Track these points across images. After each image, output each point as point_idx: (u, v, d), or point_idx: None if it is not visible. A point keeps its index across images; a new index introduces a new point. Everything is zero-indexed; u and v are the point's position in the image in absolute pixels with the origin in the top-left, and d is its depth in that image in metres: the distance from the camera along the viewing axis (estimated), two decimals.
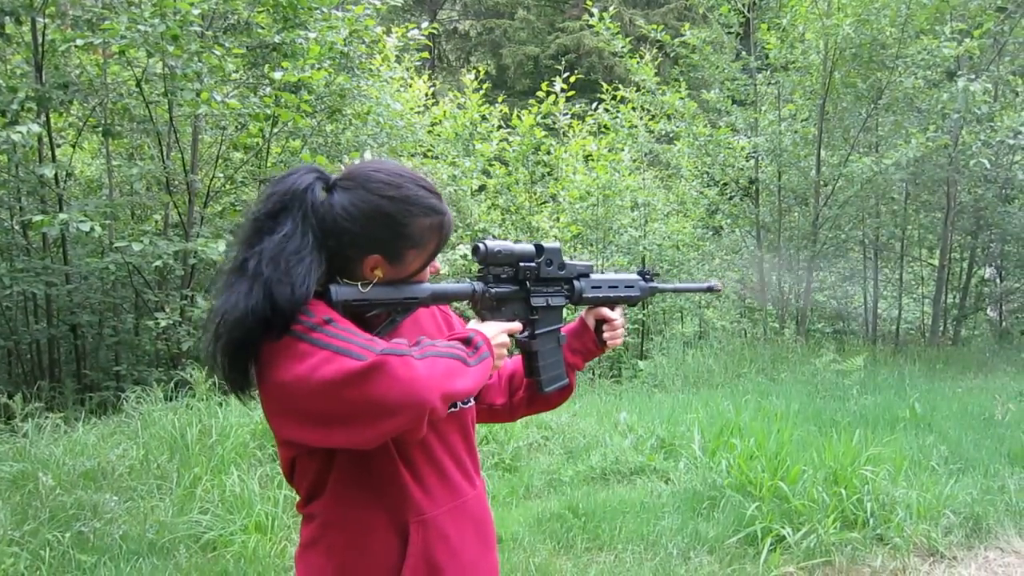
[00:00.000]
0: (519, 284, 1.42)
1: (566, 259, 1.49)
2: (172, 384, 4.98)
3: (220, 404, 4.39)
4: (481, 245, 1.35)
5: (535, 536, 3.51)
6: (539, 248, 1.44)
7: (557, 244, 1.48)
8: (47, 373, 6.33)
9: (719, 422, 4.88)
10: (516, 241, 1.45)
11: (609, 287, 1.58)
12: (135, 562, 3.02)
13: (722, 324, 10.30)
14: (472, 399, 1.41)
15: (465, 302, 1.39)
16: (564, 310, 1.53)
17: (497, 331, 1.33)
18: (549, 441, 4.88)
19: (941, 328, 10.48)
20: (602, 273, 1.59)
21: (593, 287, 1.54)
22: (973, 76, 8.13)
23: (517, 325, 1.40)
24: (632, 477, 4.38)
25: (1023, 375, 7.99)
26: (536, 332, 1.45)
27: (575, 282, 1.52)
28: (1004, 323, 11.89)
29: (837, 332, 10.56)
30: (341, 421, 1.09)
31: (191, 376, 4.70)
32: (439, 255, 1.34)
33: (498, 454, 4.55)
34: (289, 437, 1.18)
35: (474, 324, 1.36)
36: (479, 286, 1.37)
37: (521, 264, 1.41)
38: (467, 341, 1.24)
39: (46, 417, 4.29)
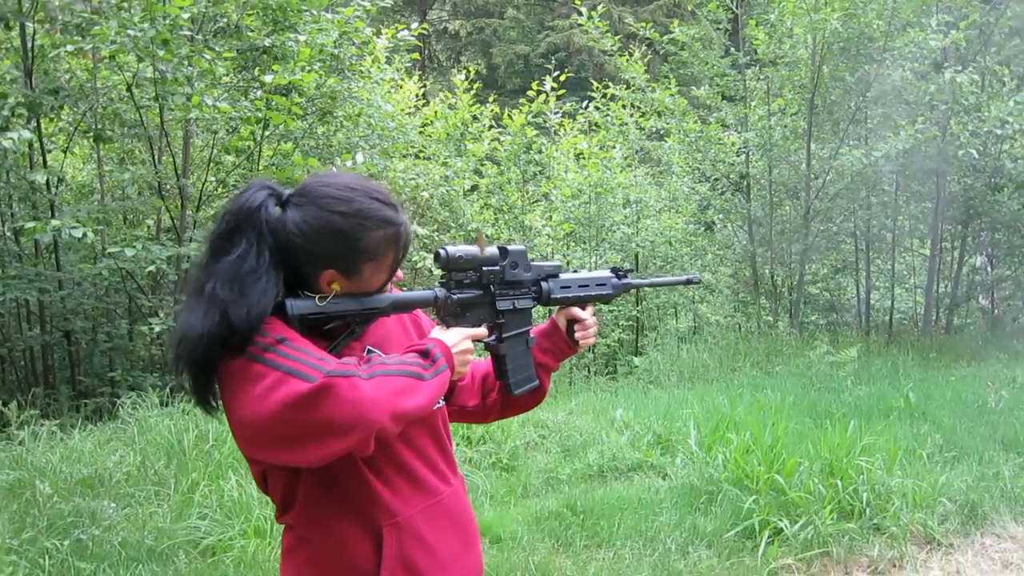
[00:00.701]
0: (483, 288, 1.41)
1: (545, 261, 1.50)
2: (167, 390, 4.96)
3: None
4: (442, 251, 1.35)
5: (534, 535, 3.52)
6: (503, 251, 1.44)
7: (522, 246, 1.48)
8: (41, 380, 6.29)
9: (715, 417, 4.90)
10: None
11: (579, 286, 1.57)
12: (134, 569, 3.02)
13: (716, 319, 10.34)
14: (443, 401, 1.41)
15: (430, 308, 1.39)
16: (533, 312, 1.53)
17: (459, 338, 1.32)
18: (546, 440, 4.89)
19: (934, 317, 10.54)
20: (573, 273, 1.59)
21: (562, 287, 1.54)
22: (960, 68, 8.17)
23: (482, 331, 1.40)
24: (629, 474, 4.40)
25: (1015, 362, 8.05)
26: (503, 336, 1.45)
27: (543, 283, 1.51)
28: (996, 311, 11.96)
29: (830, 324, 10.60)
30: (291, 442, 1.10)
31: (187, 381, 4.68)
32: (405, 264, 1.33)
33: (495, 453, 4.56)
34: (251, 455, 1.20)
35: (437, 332, 1.35)
36: (441, 292, 1.37)
37: (484, 268, 1.40)
38: (424, 354, 1.23)
39: (41, 424, 4.27)
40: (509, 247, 1.45)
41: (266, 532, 3.28)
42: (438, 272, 1.45)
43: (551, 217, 9.28)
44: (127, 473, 3.75)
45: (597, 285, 1.61)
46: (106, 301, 6.69)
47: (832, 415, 5.14)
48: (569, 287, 1.55)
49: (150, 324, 5.31)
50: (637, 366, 7.88)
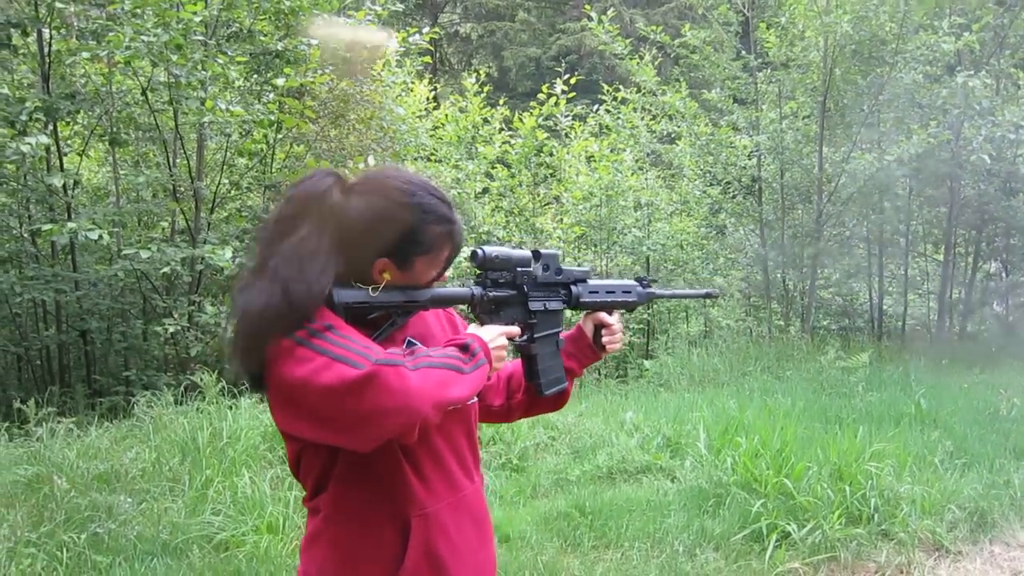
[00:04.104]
0: (517, 289, 1.45)
1: (565, 265, 1.53)
2: (181, 388, 5.03)
3: (230, 407, 4.44)
4: (479, 250, 1.39)
5: (542, 535, 3.55)
6: (536, 254, 1.48)
7: (554, 250, 1.53)
8: (58, 378, 6.39)
9: (724, 420, 4.90)
10: (514, 247, 1.49)
11: (606, 292, 1.61)
12: (149, 562, 3.07)
13: (727, 323, 10.30)
14: (475, 397, 1.44)
15: (464, 306, 1.43)
16: (563, 315, 1.56)
17: (495, 335, 1.36)
18: (556, 441, 4.91)
19: (947, 324, 10.46)
20: (600, 279, 1.62)
21: (590, 292, 1.58)
22: (973, 71, 8.12)
23: (515, 329, 1.43)
24: (638, 476, 4.40)
25: None
26: (535, 336, 1.48)
27: (572, 287, 1.55)
28: (1010, 317, 11.85)
29: (842, 329, 10.55)
30: (336, 425, 1.13)
31: (201, 380, 4.75)
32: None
33: (505, 454, 4.58)
34: (289, 431, 1.23)
35: (473, 328, 1.39)
36: (478, 290, 1.40)
37: (519, 269, 1.44)
38: (464, 348, 1.27)
39: (59, 421, 4.35)
40: (542, 250, 1.49)
41: (279, 528, 3.32)
42: (448, 274, 1.47)
43: (562, 220, 9.30)
44: (142, 469, 3.81)
45: (623, 292, 1.65)
46: (121, 302, 6.77)
47: (842, 420, 5.12)
48: (597, 292, 1.59)
49: (164, 325, 5.38)
50: (647, 369, 7.88)
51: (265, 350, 1.15)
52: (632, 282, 1.69)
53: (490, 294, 1.41)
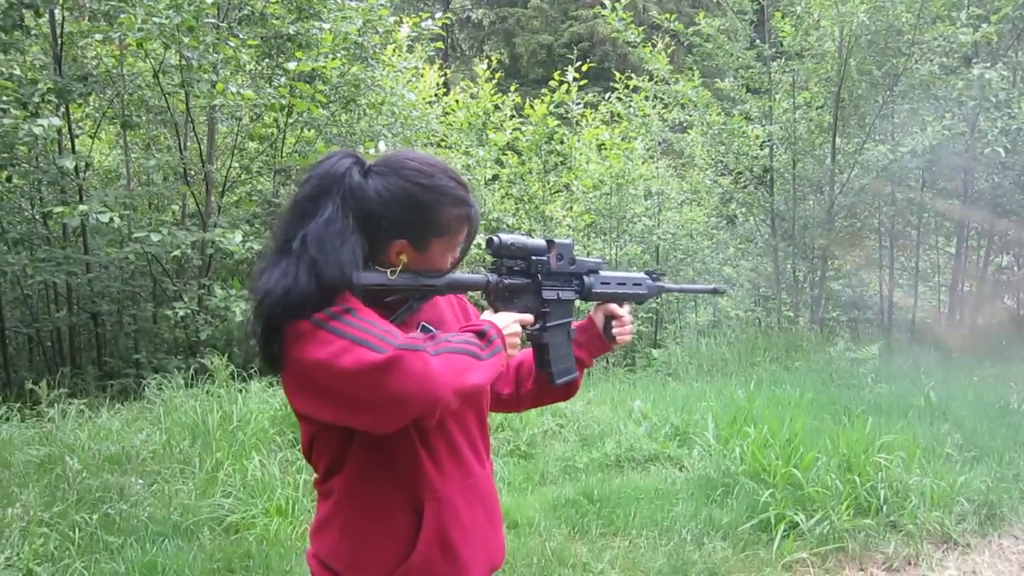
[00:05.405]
0: (531, 277, 1.46)
1: (576, 255, 1.53)
2: (191, 371, 5.06)
3: (240, 391, 4.47)
4: (495, 238, 1.39)
5: (550, 521, 3.56)
6: (551, 243, 1.48)
7: (569, 240, 1.52)
8: (68, 360, 6.44)
9: (732, 410, 4.89)
10: (529, 235, 1.48)
11: (618, 284, 1.62)
12: (160, 543, 3.10)
13: (736, 313, 10.28)
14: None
15: (479, 292, 1.43)
16: (574, 305, 1.56)
17: (509, 321, 1.37)
18: (564, 428, 4.92)
19: (958, 316, 10.40)
20: (612, 271, 1.63)
21: (602, 283, 1.58)
22: (989, 63, 8.01)
23: (529, 317, 1.43)
24: (646, 464, 4.41)
25: None
26: (547, 325, 1.49)
27: (585, 277, 1.55)
28: (1021, 311, 11.77)
29: (852, 320, 10.50)
30: (356, 407, 1.14)
31: (211, 363, 4.77)
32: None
33: (513, 441, 4.60)
34: (306, 413, 1.23)
35: (487, 315, 1.39)
36: (493, 277, 1.41)
37: (533, 257, 1.44)
38: (481, 334, 1.27)
39: (70, 403, 4.39)
40: (557, 240, 1.50)
41: (288, 511, 3.35)
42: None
43: (572, 208, 9.27)
44: (153, 451, 3.84)
45: (634, 284, 1.66)
46: (132, 284, 6.81)
47: (851, 412, 5.11)
48: (609, 283, 1.60)
49: (174, 308, 5.40)
50: (656, 358, 7.87)
51: (284, 331, 1.15)
52: (642, 275, 1.70)
53: (505, 281, 1.41)
